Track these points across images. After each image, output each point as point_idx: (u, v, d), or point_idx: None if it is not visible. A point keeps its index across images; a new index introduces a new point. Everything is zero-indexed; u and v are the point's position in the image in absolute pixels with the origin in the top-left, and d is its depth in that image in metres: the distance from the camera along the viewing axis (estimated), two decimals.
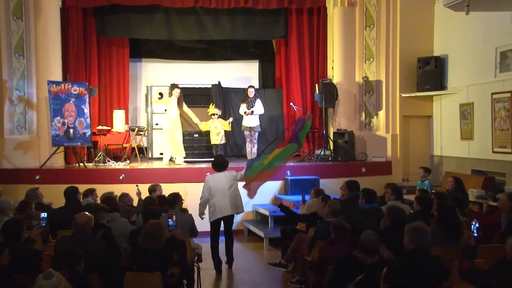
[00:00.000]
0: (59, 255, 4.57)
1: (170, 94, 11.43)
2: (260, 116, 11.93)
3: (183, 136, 11.50)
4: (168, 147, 11.27)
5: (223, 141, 11.71)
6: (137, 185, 8.50)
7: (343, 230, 5.34)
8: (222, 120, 11.69)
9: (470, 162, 10.35)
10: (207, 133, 11.78)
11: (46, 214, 6.52)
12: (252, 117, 11.70)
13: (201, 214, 7.71)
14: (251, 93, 11.73)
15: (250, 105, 11.66)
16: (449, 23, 11.08)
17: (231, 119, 11.75)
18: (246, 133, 11.89)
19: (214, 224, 7.69)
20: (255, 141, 11.85)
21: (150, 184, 8.25)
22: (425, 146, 11.92)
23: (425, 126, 11.95)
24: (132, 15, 12.49)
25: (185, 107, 11.36)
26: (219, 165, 7.88)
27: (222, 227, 7.81)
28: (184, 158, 11.31)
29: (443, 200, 6.45)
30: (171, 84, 11.48)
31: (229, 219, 7.79)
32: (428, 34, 11.61)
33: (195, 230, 6.88)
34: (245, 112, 11.70)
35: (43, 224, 6.44)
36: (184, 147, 11.38)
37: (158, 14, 12.56)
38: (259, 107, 11.74)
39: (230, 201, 7.63)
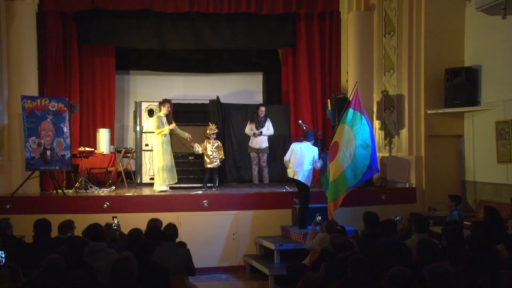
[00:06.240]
0: None
1: (159, 110, 11.27)
2: (268, 137, 12.04)
3: (176, 158, 11.48)
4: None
5: (217, 163, 11.57)
6: (114, 217, 8.25)
7: (363, 267, 5.17)
8: (220, 145, 11.62)
9: (509, 189, 10.16)
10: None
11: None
12: (260, 138, 11.84)
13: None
14: (262, 112, 11.86)
15: (260, 126, 11.79)
16: (482, 29, 11.02)
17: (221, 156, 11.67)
18: (253, 155, 11.98)
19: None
20: (264, 164, 11.90)
21: (150, 219, 7.76)
22: (454, 170, 11.81)
23: (455, 147, 11.87)
24: (118, 21, 12.55)
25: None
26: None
27: None
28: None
29: (477, 231, 6.32)
30: (162, 100, 11.50)
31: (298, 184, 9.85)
32: (457, 41, 11.57)
33: (192, 268, 6.83)
34: (254, 134, 11.81)
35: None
36: (177, 170, 11.29)
37: (148, 20, 12.61)
38: (269, 128, 11.91)
39: (293, 167, 9.72)
